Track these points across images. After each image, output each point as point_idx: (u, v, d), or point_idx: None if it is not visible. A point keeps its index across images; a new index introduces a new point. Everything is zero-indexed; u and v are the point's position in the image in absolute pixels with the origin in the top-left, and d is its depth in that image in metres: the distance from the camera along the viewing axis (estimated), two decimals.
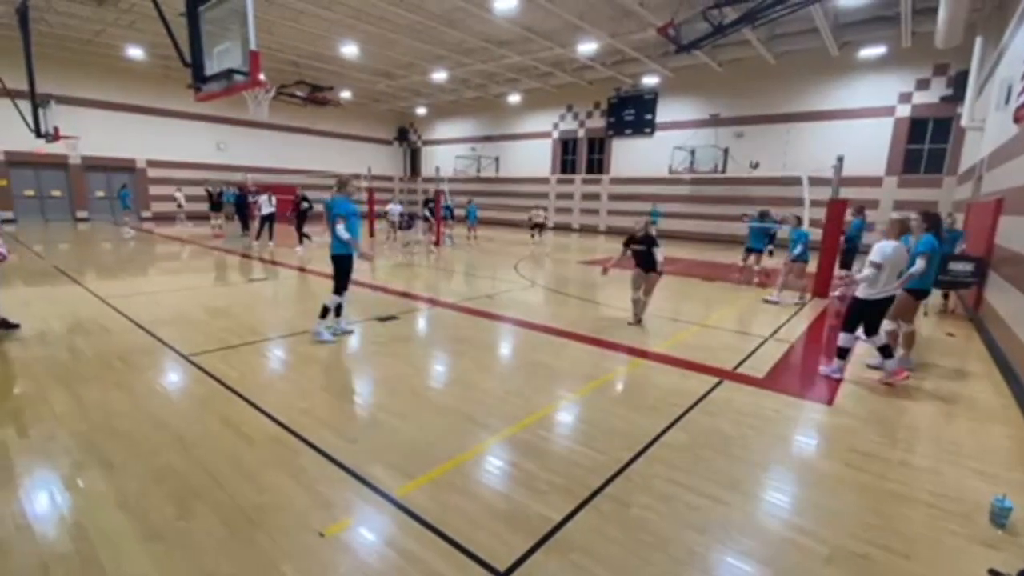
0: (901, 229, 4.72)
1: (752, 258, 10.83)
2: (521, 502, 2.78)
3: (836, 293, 8.96)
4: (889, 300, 4.76)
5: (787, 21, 14.28)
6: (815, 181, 11.22)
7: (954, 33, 10.67)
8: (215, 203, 17.84)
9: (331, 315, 5.74)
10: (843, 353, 4.92)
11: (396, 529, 2.53)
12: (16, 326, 5.64)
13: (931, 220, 5.11)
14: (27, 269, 9.71)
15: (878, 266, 4.56)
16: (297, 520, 2.57)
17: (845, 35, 15.30)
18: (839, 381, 4.86)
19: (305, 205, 13.70)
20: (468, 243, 16.76)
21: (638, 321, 6.72)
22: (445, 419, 3.82)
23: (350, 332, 5.97)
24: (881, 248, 4.59)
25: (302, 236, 13.52)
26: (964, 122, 11.44)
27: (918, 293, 5.20)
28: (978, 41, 11.23)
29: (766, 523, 2.70)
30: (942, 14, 10.05)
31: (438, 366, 5.18)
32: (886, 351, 4.79)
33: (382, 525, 2.57)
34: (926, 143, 15.93)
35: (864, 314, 4.80)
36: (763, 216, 11.19)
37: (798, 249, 8.40)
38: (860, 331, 4.92)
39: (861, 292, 4.73)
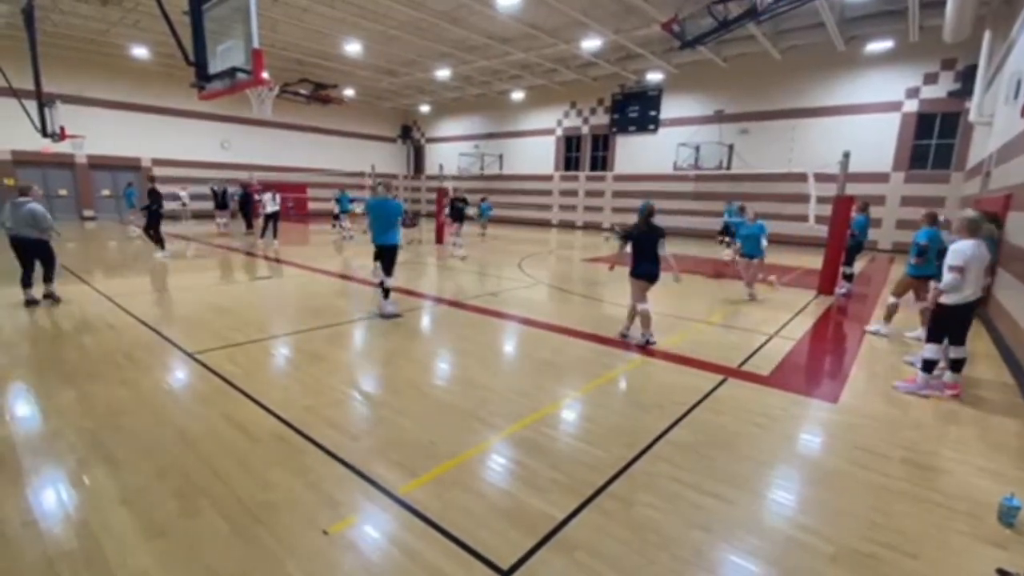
0: (972, 227, 4.32)
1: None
2: (524, 500, 2.78)
3: (842, 291, 8.93)
4: (971, 306, 4.35)
5: (792, 16, 14.17)
6: (821, 177, 11.14)
7: (962, 27, 10.55)
8: (220, 202, 17.99)
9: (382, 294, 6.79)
10: (929, 366, 4.49)
11: (400, 527, 2.53)
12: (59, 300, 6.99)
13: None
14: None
15: (959, 269, 4.17)
16: (301, 518, 2.57)
17: (851, 29, 15.16)
18: (925, 397, 4.46)
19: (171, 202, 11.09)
20: (477, 240, 16.79)
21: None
22: (449, 417, 3.82)
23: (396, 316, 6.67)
24: (959, 250, 4.21)
25: (160, 239, 11.54)
26: (972, 117, 11.32)
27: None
28: (987, 35, 11.10)
29: (771, 522, 2.69)
30: (950, 8, 9.93)
31: (442, 364, 5.18)
32: (958, 365, 4.49)
33: (386, 523, 2.57)
34: (934, 138, 15.77)
35: (949, 321, 4.41)
36: (741, 211, 12.42)
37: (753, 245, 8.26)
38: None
39: (946, 298, 4.34)
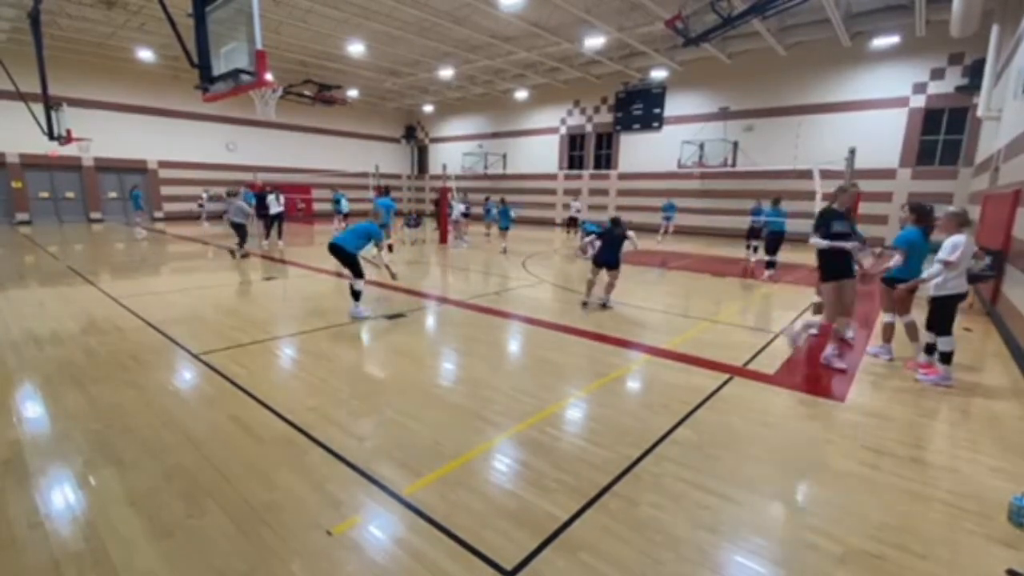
0: (960, 221, 4.56)
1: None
2: (529, 500, 2.77)
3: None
4: (959, 296, 4.64)
5: (797, 11, 14.06)
6: (827, 174, 11.04)
7: (970, 21, 10.45)
8: None
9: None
10: (947, 358, 4.63)
11: (404, 527, 2.53)
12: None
13: (919, 212, 5.10)
14: (42, 270, 9.87)
15: (948, 264, 4.46)
16: (306, 518, 2.58)
17: (857, 25, 15.04)
18: (949, 386, 4.62)
19: None
20: (483, 240, 16.78)
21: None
22: (453, 417, 3.82)
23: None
24: (954, 244, 4.47)
25: None
26: (980, 112, 11.18)
27: (896, 282, 5.02)
28: (994, 29, 10.97)
29: (778, 522, 2.67)
30: (957, 2, 9.84)
31: (446, 364, 5.18)
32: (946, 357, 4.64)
33: (390, 523, 2.57)
34: (941, 134, 15.62)
35: (942, 311, 4.66)
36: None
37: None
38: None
39: (934, 290, 4.65)
